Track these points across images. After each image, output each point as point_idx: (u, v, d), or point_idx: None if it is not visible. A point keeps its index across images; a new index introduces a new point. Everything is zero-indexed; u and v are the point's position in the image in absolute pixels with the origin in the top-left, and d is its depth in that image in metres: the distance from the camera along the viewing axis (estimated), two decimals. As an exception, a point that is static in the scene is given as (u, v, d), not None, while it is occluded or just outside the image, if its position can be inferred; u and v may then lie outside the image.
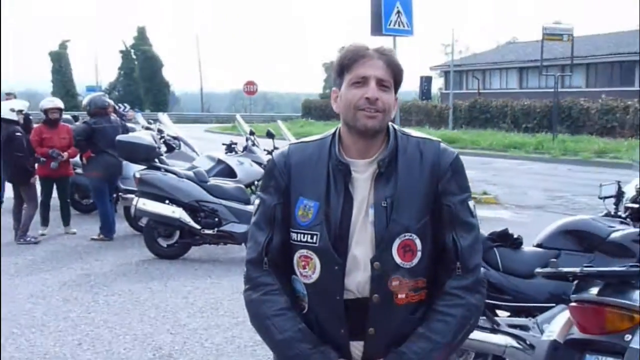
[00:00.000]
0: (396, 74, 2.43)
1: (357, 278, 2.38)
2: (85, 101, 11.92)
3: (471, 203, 2.47)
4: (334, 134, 2.51)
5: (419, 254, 2.38)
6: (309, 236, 2.40)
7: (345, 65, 2.42)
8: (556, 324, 3.50)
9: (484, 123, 38.62)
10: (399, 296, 2.38)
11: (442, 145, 2.48)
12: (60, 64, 67.62)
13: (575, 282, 3.34)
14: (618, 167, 21.89)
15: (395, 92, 2.46)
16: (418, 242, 2.38)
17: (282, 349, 2.42)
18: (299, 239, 2.42)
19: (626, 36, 46.35)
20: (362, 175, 2.41)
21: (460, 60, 57.13)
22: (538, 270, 3.60)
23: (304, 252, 2.42)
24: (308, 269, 2.42)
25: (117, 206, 11.79)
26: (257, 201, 2.55)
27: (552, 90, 30.29)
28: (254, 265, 2.49)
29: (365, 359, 2.43)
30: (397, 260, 2.36)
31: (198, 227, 9.36)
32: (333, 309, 2.40)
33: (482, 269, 2.49)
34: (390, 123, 2.48)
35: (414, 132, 2.53)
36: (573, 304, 3.28)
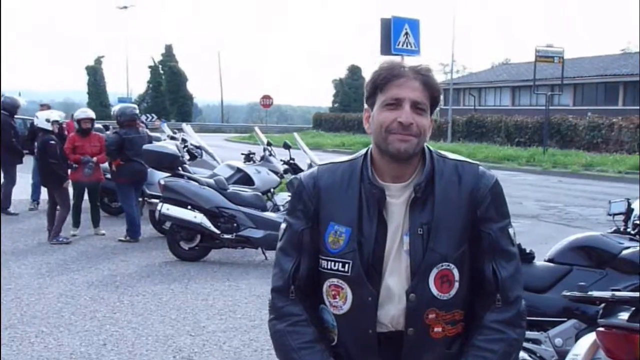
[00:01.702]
0: (433, 95, 2.04)
1: (391, 310, 2.02)
2: (116, 110, 11.62)
3: (511, 230, 2.10)
4: (365, 155, 2.12)
5: (457, 284, 2.02)
6: (340, 264, 2.03)
7: (378, 85, 2.02)
8: (580, 347, 3.12)
9: (479, 137, 38.11)
10: (435, 330, 2.02)
11: (481, 168, 2.11)
12: (95, 77, 67.61)
13: (602, 305, 2.98)
14: (605, 180, 21.54)
15: (432, 113, 2.08)
16: (456, 272, 2.01)
17: None
18: (329, 267, 2.05)
19: (610, 59, 46.09)
20: (397, 200, 2.05)
21: (457, 79, 56.71)
22: (565, 293, 3.24)
23: (334, 281, 2.05)
24: (339, 299, 2.06)
25: (142, 210, 11.48)
26: (283, 225, 2.17)
27: (543, 107, 29.88)
28: (279, 294, 2.12)
29: None
30: (434, 291, 2.00)
31: (218, 231, 9.03)
32: (365, 343, 2.04)
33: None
34: (425, 145, 2.11)
35: (450, 154, 2.15)
36: (601, 328, 2.91)
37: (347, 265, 2.02)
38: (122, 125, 10.65)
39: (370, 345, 2.03)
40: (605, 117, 32.18)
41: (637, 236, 4.78)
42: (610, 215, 5.15)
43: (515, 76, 48.92)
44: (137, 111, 11.61)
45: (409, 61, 2.09)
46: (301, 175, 2.23)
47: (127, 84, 67.76)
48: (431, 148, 2.13)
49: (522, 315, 2.08)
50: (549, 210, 14.85)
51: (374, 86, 2.05)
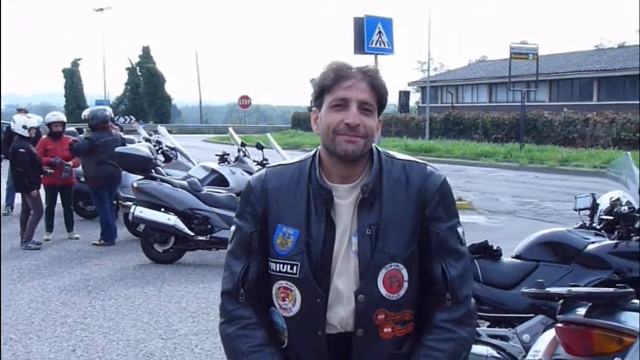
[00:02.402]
0: (380, 95, 2.03)
1: (340, 312, 2.00)
2: (87, 113, 11.53)
3: (460, 229, 2.09)
4: (314, 156, 2.10)
5: (406, 284, 2.01)
6: (289, 266, 2.01)
7: (325, 86, 2.01)
8: (541, 343, 3.13)
9: (457, 134, 38.28)
10: (385, 330, 2.01)
11: (429, 168, 2.10)
12: (72, 80, 67.12)
13: (561, 301, 2.98)
14: (580, 175, 21.71)
15: (379, 114, 2.05)
16: (405, 272, 2.00)
17: None
18: (277, 269, 2.03)
19: (584, 55, 46.44)
20: (345, 201, 2.03)
21: (435, 76, 56.88)
22: (524, 290, 3.24)
23: (283, 283, 2.03)
24: (288, 302, 2.04)
25: (117, 213, 11.39)
26: (232, 228, 2.15)
27: (519, 104, 30.02)
28: (229, 297, 2.10)
29: None
30: (383, 292, 1.98)
31: (192, 233, 8.98)
32: (314, 345, 2.02)
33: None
34: (374, 145, 2.10)
35: (398, 154, 2.14)
36: (559, 324, 2.92)
37: (295, 267, 2.00)
38: (94, 128, 10.53)
39: (320, 347, 2.02)
40: (580, 113, 32.45)
41: (603, 231, 4.82)
42: (576, 210, 5.18)
43: (492, 73, 49.14)
44: (108, 113, 11.51)
45: (357, 62, 2.07)
46: (250, 178, 2.21)
47: (105, 86, 67.41)
48: (379, 148, 2.11)
49: (471, 314, 2.07)
50: (525, 206, 14.94)
51: (321, 88, 2.03)
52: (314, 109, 2.10)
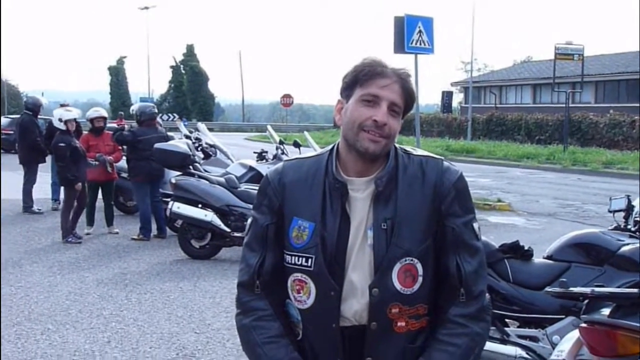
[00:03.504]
0: (408, 100, 2.05)
1: (354, 305, 2.02)
2: (135, 108, 11.62)
3: (476, 225, 2.09)
4: (332, 150, 2.12)
5: (420, 279, 2.01)
6: (304, 259, 2.03)
7: (360, 79, 2.01)
8: (566, 343, 3.10)
9: (499, 135, 37.90)
10: (399, 324, 2.01)
11: (445, 163, 2.10)
12: (117, 77, 68.26)
13: (586, 301, 2.95)
14: (625, 178, 21.30)
15: (403, 117, 2.08)
16: (419, 266, 2.01)
17: None
18: (293, 262, 2.06)
19: (631, 56, 45.48)
20: (361, 194, 2.04)
21: (478, 77, 56.41)
22: (548, 289, 3.21)
23: (298, 275, 2.06)
24: (302, 294, 2.06)
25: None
26: (249, 220, 2.18)
27: (564, 105, 29.59)
28: (245, 289, 2.14)
29: None
30: (397, 286, 1.99)
31: (228, 229, 9.07)
32: (328, 337, 2.04)
33: (492, 281, 2.11)
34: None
35: (415, 150, 2.14)
36: (583, 324, 2.89)
37: (310, 260, 2.02)
38: (141, 124, 10.68)
39: (334, 340, 2.03)
40: (626, 115, 31.85)
41: (637, 233, 4.74)
42: (610, 211, 5.11)
43: (536, 74, 48.53)
44: (156, 110, 11.65)
45: (392, 63, 2.08)
46: (267, 171, 2.23)
47: (149, 84, 68.40)
48: (397, 145, 2.12)
49: (485, 310, 2.07)
50: (566, 209, 14.73)
51: (354, 79, 2.04)
52: (340, 99, 2.10)
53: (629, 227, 4.88)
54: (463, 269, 2.02)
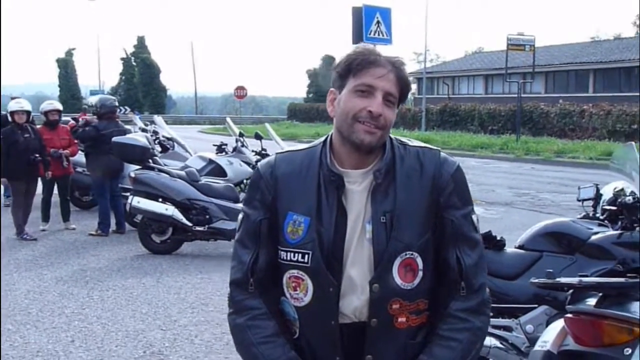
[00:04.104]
0: (404, 89, 1.98)
1: (354, 301, 1.95)
2: (95, 100, 11.28)
3: (474, 217, 2.04)
4: (325, 141, 2.04)
5: (421, 273, 1.96)
6: (300, 255, 1.96)
7: (353, 69, 1.94)
8: (549, 333, 3.09)
9: (453, 125, 38.23)
10: (399, 320, 1.96)
11: (443, 154, 2.05)
12: (66, 70, 66.77)
13: (570, 291, 2.94)
14: (577, 166, 21.72)
15: (398, 107, 2.01)
16: (419, 260, 1.95)
17: None
18: (288, 258, 1.98)
19: (580, 47, 46.42)
20: (357, 187, 1.97)
21: (431, 67, 56.82)
22: (533, 280, 3.20)
23: (294, 272, 1.98)
24: (299, 291, 1.98)
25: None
26: (240, 216, 2.09)
27: (515, 95, 30.00)
28: (238, 287, 2.04)
29: None
30: (398, 281, 1.93)
31: (190, 224, 8.93)
32: (327, 335, 1.97)
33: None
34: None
35: (411, 141, 2.09)
36: (569, 315, 2.89)
37: (306, 256, 1.95)
38: (101, 117, 10.42)
39: (332, 337, 1.97)
40: (576, 104, 32.44)
41: (606, 221, 4.78)
42: (579, 200, 5.14)
43: (488, 64, 49.11)
44: (117, 103, 11.39)
45: (384, 51, 2.01)
46: (259, 163, 2.15)
47: (99, 76, 67.36)
48: (392, 136, 2.06)
49: (486, 303, 2.03)
50: (522, 197, 14.92)
51: (347, 69, 1.96)
52: (332, 90, 2.02)
53: (597, 215, 4.92)
54: (463, 262, 1.98)
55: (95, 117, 10.80)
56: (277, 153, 2.13)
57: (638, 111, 28.44)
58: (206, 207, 9.00)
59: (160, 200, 8.95)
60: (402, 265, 1.94)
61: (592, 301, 2.82)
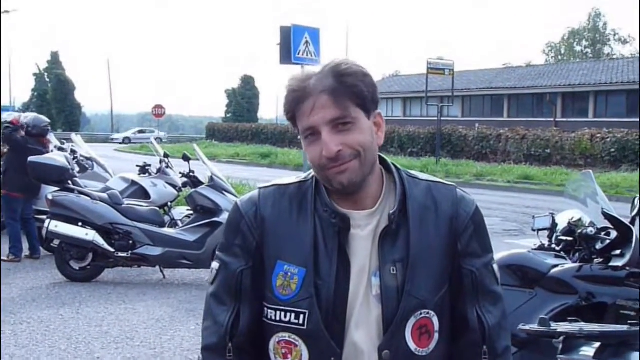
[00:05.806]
0: (356, 94, 1.58)
1: None
2: (28, 119, 10.40)
3: (496, 267, 1.72)
4: (315, 176, 1.68)
5: (437, 335, 1.61)
6: (294, 315, 1.58)
7: (289, 112, 1.60)
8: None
9: (372, 147, 38.42)
10: None
11: (459, 191, 1.72)
12: (-26, 84, 63.94)
13: (562, 338, 2.66)
14: (496, 190, 21.98)
15: (369, 110, 1.64)
16: (435, 320, 1.61)
17: None
18: (278, 319, 1.60)
19: (494, 73, 47.66)
20: (361, 231, 1.61)
21: (350, 90, 57.12)
22: (523, 327, 2.90)
23: (285, 336, 1.60)
24: (291, 359, 1.61)
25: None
26: (215, 265, 1.69)
27: (434, 118, 30.36)
28: (213, 354, 1.64)
29: None
30: (412, 346, 1.58)
31: (112, 249, 8.35)
32: None
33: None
34: (390, 162, 1.71)
35: (420, 174, 1.75)
36: (562, 366, 2.60)
37: (301, 317, 1.57)
38: (32, 137, 9.75)
39: None
40: (492, 128, 33.14)
41: (562, 252, 4.59)
42: (534, 230, 4.93)
43: (406, 87, 49.78)
44: (50, 128, 10.64)
45: (312, 69, 1.63)
46: (239, 201, 1.76)
47: (10, 91, 64.65)
48: (399, 167, 1.72)
49: (512, 370, 1.70)
50: (448, 221, 14.86)
51: (291, 113, 1.61)
52: (300, 137, 1.66)
53: (552, 245, 4.72)
54: (486, 322, 1.64)
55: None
56: (259, 187, 1.74)
57: (551, 136, 29.30)
58: (130, 231, 8.45)
59: (80, 224, 8.34)
60: (417, 327, 1.59)
61: (587, 350, 2.54)
